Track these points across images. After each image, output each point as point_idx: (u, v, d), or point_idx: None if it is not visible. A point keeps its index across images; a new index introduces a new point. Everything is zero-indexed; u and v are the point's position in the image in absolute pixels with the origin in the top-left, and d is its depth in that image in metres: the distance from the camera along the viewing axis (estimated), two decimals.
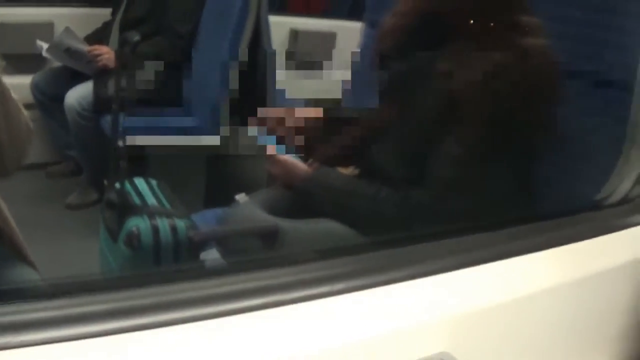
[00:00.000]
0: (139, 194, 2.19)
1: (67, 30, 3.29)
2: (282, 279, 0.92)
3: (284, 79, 3.27)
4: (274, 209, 1.61)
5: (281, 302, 0.87)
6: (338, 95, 3.64)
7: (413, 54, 1.56)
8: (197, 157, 3.00)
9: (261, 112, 1.73)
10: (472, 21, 1.45)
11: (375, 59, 1.70)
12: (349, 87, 2.16)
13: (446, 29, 1.48)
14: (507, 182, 1.46)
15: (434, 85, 1.46)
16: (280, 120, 1.70)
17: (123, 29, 3.23)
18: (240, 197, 1.71)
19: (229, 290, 0.87)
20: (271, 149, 1.62)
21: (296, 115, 1.70)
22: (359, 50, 2.31)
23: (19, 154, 1.37)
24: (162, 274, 0.88)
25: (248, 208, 1.62)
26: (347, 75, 2.48)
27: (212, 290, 0.87)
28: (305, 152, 1.67)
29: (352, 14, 4.18)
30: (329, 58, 4.14)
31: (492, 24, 1.45)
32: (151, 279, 0.91)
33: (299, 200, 1.60)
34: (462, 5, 1.46)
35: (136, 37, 2.30)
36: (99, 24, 3.49)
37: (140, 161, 2.80)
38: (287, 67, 4.09)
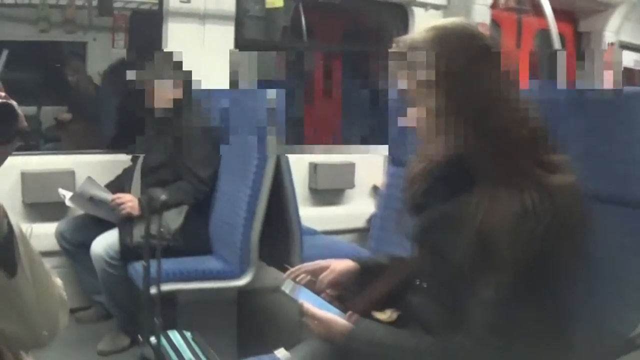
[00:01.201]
0: (175, 349, 2.19)
1: (89, 179, 3.36)
2: None
3: (307, 213, 3.30)
4: None
5: None
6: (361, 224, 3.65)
7: (442, 197, 1.56)
8: (228, 302, 3.00)
9: (296, 267, 1.74)
10: (499, 162, 1.46)
11: (404, 202, 1.70)
12: (379, 228, 2.17)
13: (474, 171, 1.49)
14: (545, 321, 1.45)
15: (464, 228, 1.46)
16: (315, 275, 1.70)
17: (144, 175, 3.27)
18: (281, 353, 1.70)
19: None
20: (307, 304, 1.61)
21: (331, 269, 1.70)
22: (384, 189, 2.33)
23: (53, 324, 1.36)
24: None
25: None
26: (370, 207, 2.50)
27: None
28: (341, 304, 1.66)
29: (367, 142, 4.26)
30: (350, 187, 4.20)
31: (519, 165, 1.45)
32: None
33: (341, 355, 1.59)
34: (489, 148, 1.47)
35: (163, 197, 2.33)
36: (119, 170, 3.57)
37: (173, 310, 2.80)
38: (309, 201, 4.14)
